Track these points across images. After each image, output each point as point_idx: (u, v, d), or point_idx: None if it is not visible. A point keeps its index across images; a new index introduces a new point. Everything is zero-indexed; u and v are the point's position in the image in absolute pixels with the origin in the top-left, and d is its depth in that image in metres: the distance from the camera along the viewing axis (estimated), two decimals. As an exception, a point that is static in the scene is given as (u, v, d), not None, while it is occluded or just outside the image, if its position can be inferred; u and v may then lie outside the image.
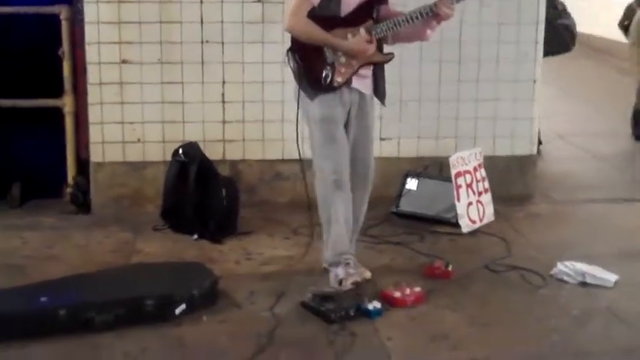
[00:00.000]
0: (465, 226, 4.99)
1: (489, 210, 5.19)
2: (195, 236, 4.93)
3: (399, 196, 5.31)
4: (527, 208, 5.55)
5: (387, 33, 3.96)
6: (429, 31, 4.05)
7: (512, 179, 5.67)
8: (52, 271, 4.30)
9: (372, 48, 3.93)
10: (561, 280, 4.28)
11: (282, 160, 5.49)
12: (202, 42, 5.33)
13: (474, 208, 5.08)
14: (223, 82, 5.37)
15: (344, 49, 3.89)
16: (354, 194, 4.13)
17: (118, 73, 5.33)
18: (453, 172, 4.99)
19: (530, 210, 5.52)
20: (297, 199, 5.20)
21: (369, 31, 3.93)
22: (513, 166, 5.68)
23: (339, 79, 3.93)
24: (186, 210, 4.95)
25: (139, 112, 5.39)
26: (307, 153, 4.24)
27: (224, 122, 5.43)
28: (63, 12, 5.29)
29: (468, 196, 5.06)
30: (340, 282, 3.99)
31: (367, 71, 4.04)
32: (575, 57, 8.02)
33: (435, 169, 5.35)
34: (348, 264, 4.04)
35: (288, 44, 4.05)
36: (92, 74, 5.31)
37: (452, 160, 5.00)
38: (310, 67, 3.92)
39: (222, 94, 5.40)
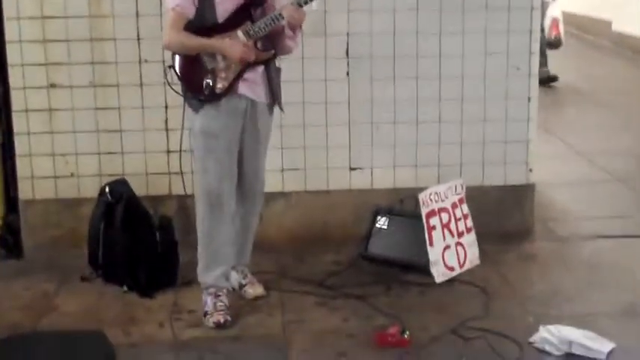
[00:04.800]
0: (440, 275, 4.22)
1: (472, 253, 4.41)
2: (125, 288, 4.25)
3: (368, 236, 4.55)
4: (522, 247, 4.75)
5: (263, 32, 3.73)
6: (288, 42, 3.83)
7: (505, 213, 4.88)
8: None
9: (248, 48, 3.70)
10: (542, 351, 3.51)
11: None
12: (140, 61, 4.65)
13: (451, 253, 4.30)
14: (166, 107, 4.68)
15: (218, 49, 3.70)
16: (242, 208, 4.02)
17: (46, 99, 4.67)
18: (424, 211, 4.23)
19: (525, 250, 4.72)
20: (258, 239, 4.47)
21: (246, 33, 3.73)
22: (506, 198, 4.88)
23: (220, 85, 3.72)
24: (115, 257, 4.27)
25: (72, 143, 4.72)
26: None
27: (168, 152, 4.73)
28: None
29: (445, 238, 4.30)
30: (205, 314, 3.87)
31: (256, 76, 3.80)
32: (612, 58, 7.15)
33: (412, 204, 4.56)
34: (218, 296, 3.90)
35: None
36: (17, 100, 4.67)
37: (422, 197, 4.24)
38: (191, 78, 3.74)
39: (165, 121, 4.72)
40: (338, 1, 4.62)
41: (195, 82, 3.74)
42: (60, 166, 4.75)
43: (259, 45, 3.79)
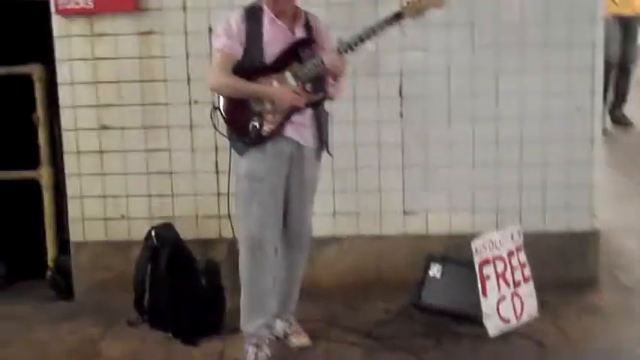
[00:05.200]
0: (493, 327, 4.00)
1: (530, 304, 4.17)
2: (170, 334, 4.17)
3: (421, 284, 4.36)
4: (585, 298, 4.47)
5: (311, 74, 3.64)
6: (329, 88, 3.74)
7: (567, 262, 4.61)
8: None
9: (297, 93, 3.62)
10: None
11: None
12: (190, 102, 4.60)
13: (507, 304, 4.08)
14: (216, 149, 4.60)
15: (268, 95, 3.61)
16: (288, 256, 3.91)
17: (97, 140, 4.66)
18: (478, 260, 4.02)
19: (588, 301, 4.44)
20: (308, 285, 4.35)
21: (294, 74, 3.64)
22: (569, 245, 4.62)
23: (267, 128, 3.62)
24: (160, 302, 4.20)
25: (122, 184, 4.69)
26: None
27: (218, 194, 4.64)
28: (36, 72, 4.67)
29: (500, 289, 4.08)
30: None
31: (304, 119, 3.70)
32: None
33: (468, 251, 4.35)
34: (259, 346, 3.77)
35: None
36: (68, 142, 4.67)
37: (475, 245, 4.04)
38: (237, 120, 3.65)
39: (216, 162, 4.64)
40: (391, 40, 4.46)
41: (241, 124, 3.65)
42: (110, 207, 4.72)
43: (308, 87, 3.68)
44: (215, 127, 3.77)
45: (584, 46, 4.49)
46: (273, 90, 3.60)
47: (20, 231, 5.03)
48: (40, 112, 4.73)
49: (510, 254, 4.16)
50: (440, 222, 4.65)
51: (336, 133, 4.46)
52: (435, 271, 4.34)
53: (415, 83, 4.55)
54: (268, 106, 3.62)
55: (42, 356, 4.06)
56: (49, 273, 4.86)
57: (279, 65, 3.64)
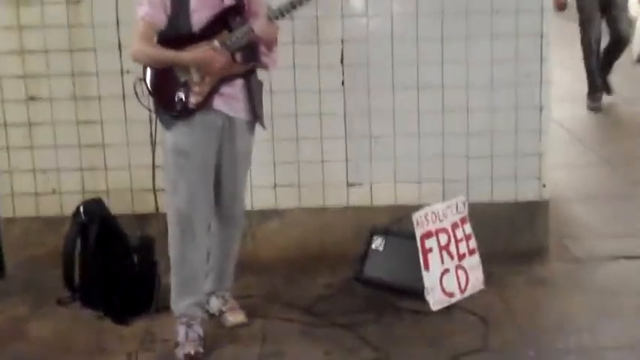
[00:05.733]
0: (436, 302, 3.87)
1: (476, 277, 4.05)
2: (101, 313, 3.99)
3: (363, 258, 4.22)
4: (533, 269, 4.34)
5: (241, 42, 3.43)
6: (263, 58, 3.55)
7: (516, 232, 4.49)
8: None
9: (222, 58, 3.39)
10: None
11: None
12: (122, 72, 4.38)
13: (451, 277, 3.95)
14: (150, 119, 4.34)
15: (189, 61, 3.39)
16: (221, 232, 3.75)
17: (25, 112, 4.44)
18: (419, 232, 3.88)
19: (535, 273, 4.31)
20: (248, 260, 4.20)
21: (223, 43, 3.41)
22: (518, 216, 4.50)
23: (193, 100, 3.41)
24: (90, 280, 4.02)
25: (53, 158, 4.48)
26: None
27: (154, 167, 4.42)
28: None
29: (443, 262, 3.94)
30: (176, 345, 3.58)
31: (234, 90, 3.50)
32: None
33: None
34: (191, 325, 3.59)
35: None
36: (-6, 113, 4.45)
37: (416, 217, 3.90)
38: (162, 91, 3.46)
39: (151, 134, 4.39)
40: (331, 6, 4.30)
41: (167, 96, 3.45)
42: (41, 182, 4.52)
43: (238, 57, 3.49)
44: (139, 100, 3.57)
45: (533, 12, 4.32)
46: (196, 54, 3.39)
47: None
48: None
49: (454, 226, 4.03)
50: (385, 193, 4.50)
51: (276, 103, 4.35)
52: (377, 243, 4.20)
53: (357, 51, 4.37)
54: (195, 77, 3.41)
55: (-37, 338, 3.86)
56: (-24, 250, 4.64)
57: (207, 34, 3.43)
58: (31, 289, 4.35)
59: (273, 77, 4.18)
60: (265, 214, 4.51)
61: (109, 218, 4.06)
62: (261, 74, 3.67)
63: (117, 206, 4.36)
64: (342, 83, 4.40)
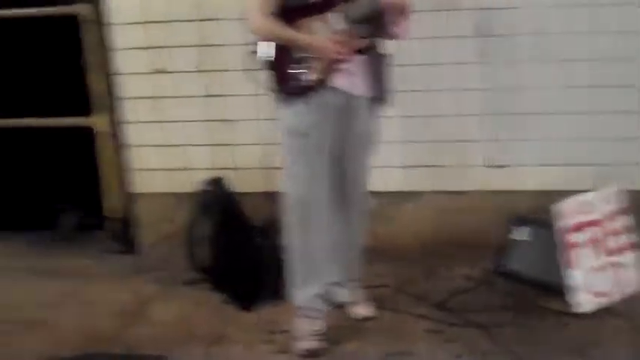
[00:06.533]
0: (583, 303, 3.48)
1: (634, 276, 3.61)
2: (226, 297, 3.87)
3: (505, 248, 3.87)
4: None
5: (363, 12, 3.13)
6: (391, 28, 3.19)
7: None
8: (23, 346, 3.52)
9: (337, 47, 3.11)
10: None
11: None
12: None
13: (603, 276, 3.54)
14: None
15: (303, 44, 3.14)
16: (345, 219, 3.48)
17: (150, 85, 4.34)
18: (564, 225, 3.48)
19: None
20: (381, 245, 3.97)
21: (344, 16, 3.13)
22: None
23: (311, 77, 3.17)
24: (214, 263, 3.90)
25: (181, 133, 4.37)
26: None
27: (282, 144, 4.26)
28: (83, 12, 4.34)
29: (593, 258, 3.53)
30: (296, 338, 3.41)
31: (356, 66, 3.20)
32: None
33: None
34: (312, 319, 3.41)
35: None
36: (123, 87, 4.36)
37: (560, 209, 3.49)
38: (278, 67, 3.20)
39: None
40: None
41: (282, 72, 3.21)
42: (171, 157, 4.44)
43: (360, 30, 3.19)
44: (248, 75, 3.33)
45: None
46: (311, 39, 3.12)
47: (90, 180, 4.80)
48: (89, 55, 4.40)
49: (609, 218, 3.60)
50: (529, 177, 4.14)
51: (409, 78, 4.04)
52: (521, 233, 3.84)
53: (499, 19, 4.01)
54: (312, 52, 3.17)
55: (81, 321, 3.80)
56: (110, 225, 4.62)
57: (327, 5, 3.16)
58: (162, 267, 4.30)
59: (404, 48, 3.87)
60: (399, 196, 4.27)
61: (231, 199, 3.92)
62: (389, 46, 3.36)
63: (246, 183, 4.22)
64: (482, 55, 4.02)
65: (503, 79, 4.05)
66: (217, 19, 4.21)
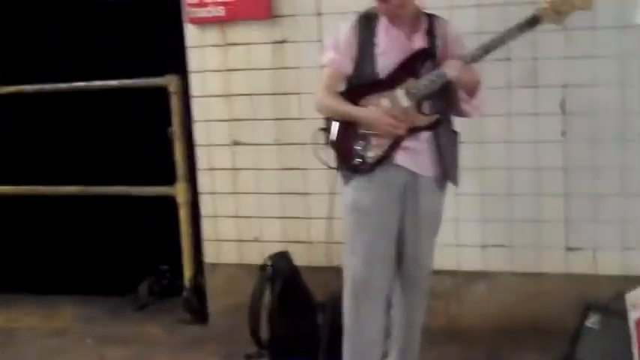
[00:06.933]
0: (658, 403, 3.21)
1: None
2: (286, 374, 3.81)
3: (576, 336, 3.64)
4: None
5: (428, 90, 3.08)
6: (463, 105, 3.12)
7: None
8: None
9: (389, 119, 3.06)
10: None
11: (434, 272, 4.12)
12: (325, 118, 4.20)
13: (681, 375, 3.27)
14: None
15: (359, 119, 3.11)
16: (403, 299, 3.35)
17: (230, 157, 4.39)
18: (635, 317, 3.25)
19: None
20: (449, 325, 3.84)
21: (408, 92, 3.10)
22: None
23: (372, 154, 3.12)
24: (275, 338, 3.85)
25: (255, 205, 4.39)
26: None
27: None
28: (172, 84, 4.48)
29: (672, 354, 3.28)
30: None
31: (419, 143, 3.15)
32: None
33: (640, 298, 3.58)
34: None
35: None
36: (202, 158, 4.44)
37: (632, 298, 3.27)
38: (342, 144, 3.17)
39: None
40: (551, 46, 3.82)
41: (345, 148, 3.17)
42: (244, 229, 4.45)
43: (424, 106, 3.13)
44: (315, 152, 3.29)
45: None
46: (367, 113, 3.08)
47: (163, 250, 4.88)
48: (176, 125, 4.52)
49: (687, 310, 3.35)
50: (610, 261, 3.91)
51: (486, 155, 3.95)
52: (593, 321, 3.60)
53: (581, 97, 3.85)
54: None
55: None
56: (184, 294, 4.66)
57: (392, 81, 3.12)
58: (228, 338, 4.29)
59: (483, 126, 3.80)
60: (472, 276, 4.11)
61: (294, 274, 3.88)
62: (466, 123, 3.27)
63: (317, 257, 4.17)
64: (563, 134, 3.89)
65: (583, 158, 3.88)
66: (297, 94, 4.22)
